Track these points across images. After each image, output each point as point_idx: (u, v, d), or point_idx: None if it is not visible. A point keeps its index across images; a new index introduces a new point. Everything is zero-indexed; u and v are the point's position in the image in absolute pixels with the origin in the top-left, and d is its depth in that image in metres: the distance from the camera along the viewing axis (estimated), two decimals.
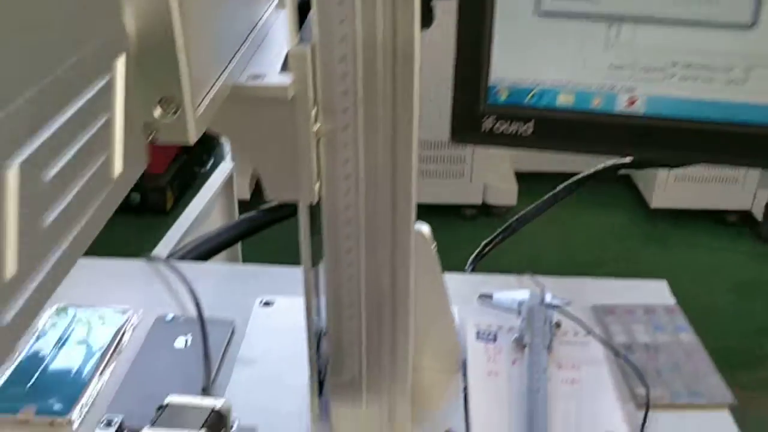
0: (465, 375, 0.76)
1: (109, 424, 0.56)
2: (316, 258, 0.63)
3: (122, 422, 0.55)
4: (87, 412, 0.72)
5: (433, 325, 0.72)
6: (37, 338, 0.81)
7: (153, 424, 0.56)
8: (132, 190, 0.38)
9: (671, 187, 2.63)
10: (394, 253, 0.61)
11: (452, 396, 0.73)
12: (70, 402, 0.72)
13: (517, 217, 1.02)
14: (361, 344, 0.66)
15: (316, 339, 0.67)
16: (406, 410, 0.69)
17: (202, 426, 0.55)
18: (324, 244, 0.62)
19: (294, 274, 0.96)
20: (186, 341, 0.81)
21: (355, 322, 0.65)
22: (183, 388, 0.74)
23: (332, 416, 0.69)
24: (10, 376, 0.75)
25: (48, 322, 0.83)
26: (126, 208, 1.75)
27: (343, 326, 0.65)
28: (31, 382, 0.74)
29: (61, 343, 0.80)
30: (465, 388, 0.74)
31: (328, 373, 0.68)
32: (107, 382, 0.76)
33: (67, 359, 0.78)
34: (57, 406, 0.71)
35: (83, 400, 0.72)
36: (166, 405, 0.58)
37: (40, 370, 0.76)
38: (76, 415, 0.71)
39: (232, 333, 0.82)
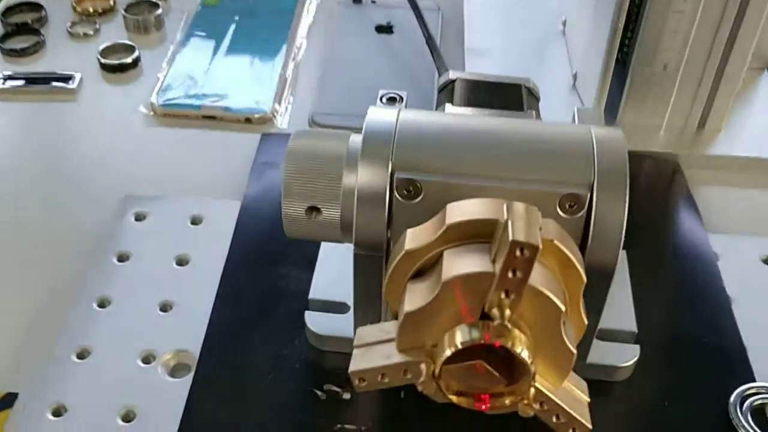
0: None
1: (393, 100, 0.38)
2: None
3: (406, 98, 0.38)
4: (290, 106, 0.55)
5: None
6: (195, 26, 0.62)
7: (452, 101, 0.38)
8: None
9: None
10: None
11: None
12: (264, 94, 0.55)
13: None
14: (691, 26, 0.46)
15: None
16: (725, 113, 0.51)
17: (523, 105, 0.38)
18: None
19: None
20: (386, 27, 0.62)
21: None
22: (408, 79, 0.57)
23: (623, 109, 0.51)
24: (176, 66, 0.57)
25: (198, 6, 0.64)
26: None
27: None
28: (206, 72, 0.57)
29: (225, 27, 0.61)
30: None
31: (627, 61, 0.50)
32: (301, 72, 0.58)
33: (242, 45, 0.59)
34: (248, 101, 0.54)
35: (279, 93, 0.55)
36: (453, 81, 0.40)
37: (212, 58, 0.58)
38: (276, 108, 0.54)
39: (441, 22, 0.63)
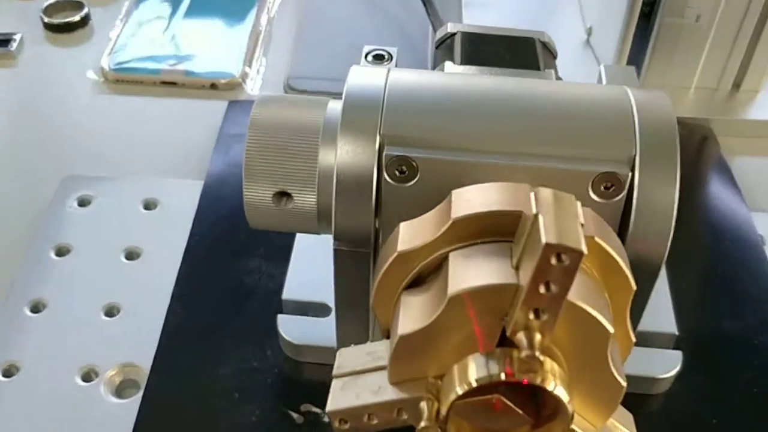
0: None
1: (380, 57, 0.31)
2: None
3: (396, 57, 0.31)
4: (262, 68, 0.48)
5: None
6: None
7: (453, 59, 0.31)
8: None
9: None
10: None
11: None
12: (232, 55, 0.48)
13: None
14: None
15: None
16: (764, 72, 0.44)
17: (539, 63, 0.31)
18: None
19: None
20: None
21: None
22: (398, 35, 0.50)
23: (648, 68, 0.45)
24: (131, 24, 0.50)
25: None
26: None
27: None
28: (165, 31, 0.49)
29: None
30: None
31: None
32: (275, 29, 0.51)
33: (203, 8, 0.52)
34: (214, 63, 0.47)
35: (249, 53, 0.48)
36: (453, 34, 0.33)
37: (172, 14, 0.51)
38: (246, 71, 0.47)
39: None
